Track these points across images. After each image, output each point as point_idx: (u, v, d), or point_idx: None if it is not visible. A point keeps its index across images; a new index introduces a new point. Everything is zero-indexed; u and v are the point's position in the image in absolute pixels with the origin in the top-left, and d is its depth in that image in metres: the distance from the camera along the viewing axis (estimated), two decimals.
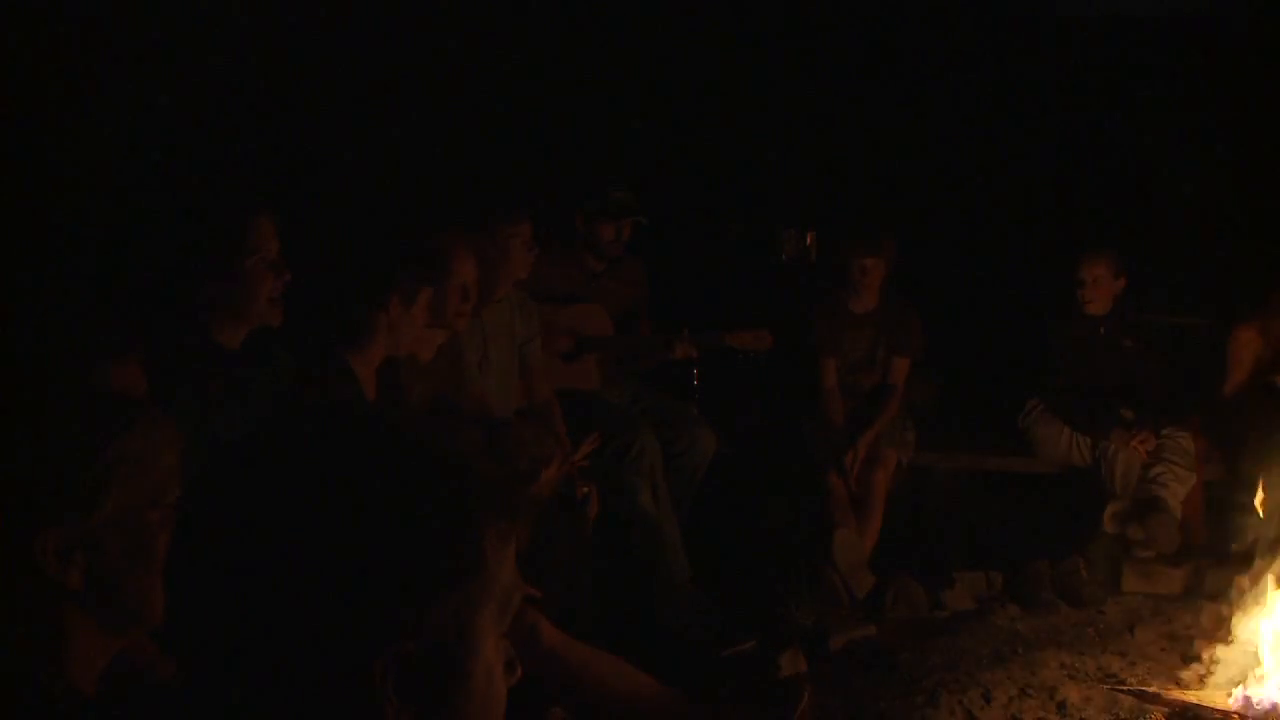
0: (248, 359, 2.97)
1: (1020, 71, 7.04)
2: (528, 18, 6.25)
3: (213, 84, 4.88)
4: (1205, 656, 3.81)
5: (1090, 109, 6.97)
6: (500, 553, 1.06)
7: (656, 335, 5.20)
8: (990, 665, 4.03)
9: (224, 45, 4.96)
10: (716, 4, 6.86)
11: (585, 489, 4.07)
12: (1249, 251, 5.80)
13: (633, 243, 5.20)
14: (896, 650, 4.24)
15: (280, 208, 3.00)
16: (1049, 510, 5.37)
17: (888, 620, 4.58)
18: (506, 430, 3.86)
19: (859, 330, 5.44)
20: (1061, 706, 3.67)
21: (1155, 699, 3.66)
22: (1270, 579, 3.58)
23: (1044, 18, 7.44)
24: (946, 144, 6.89)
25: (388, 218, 3.44)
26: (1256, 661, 3.57)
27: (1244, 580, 4.00)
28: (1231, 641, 3.70)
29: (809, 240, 6.27)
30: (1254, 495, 4.33)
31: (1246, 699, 3.49)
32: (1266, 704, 3.44)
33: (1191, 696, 3.61)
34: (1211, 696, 3.58)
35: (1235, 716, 3.43)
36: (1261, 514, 3.98)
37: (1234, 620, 3.79)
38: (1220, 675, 3.66)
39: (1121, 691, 3.76)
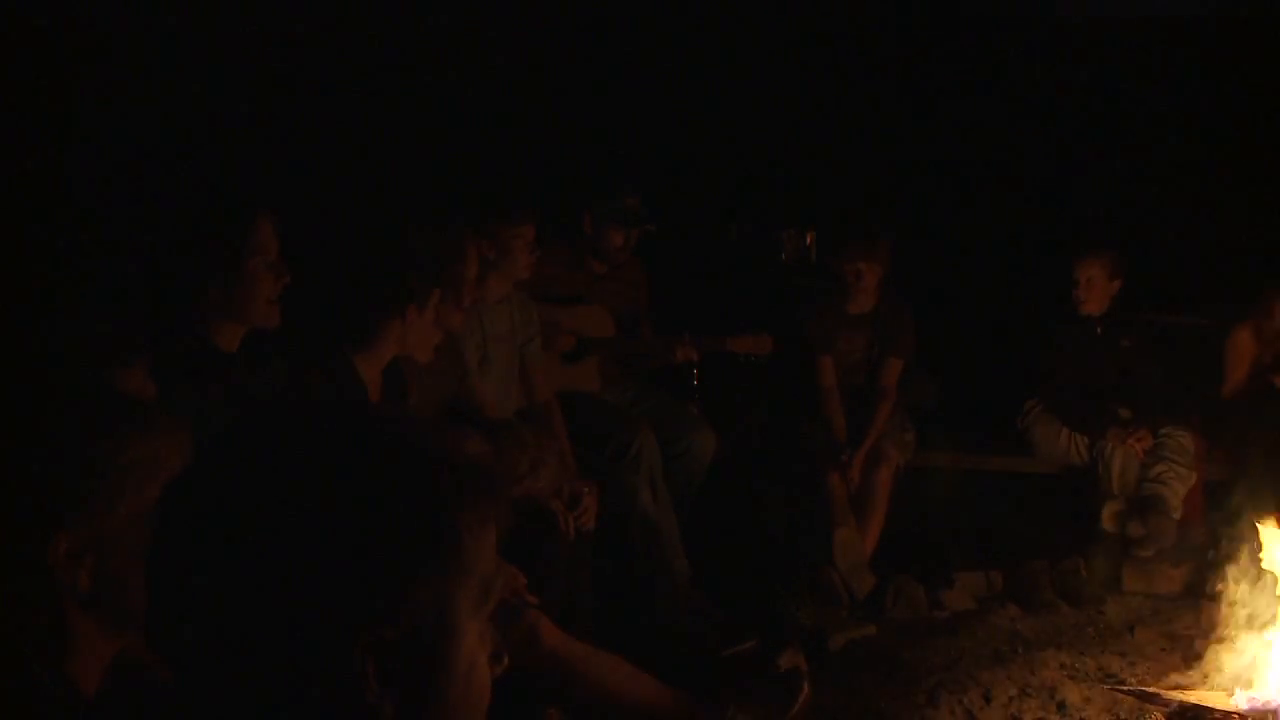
0: (245, 362, 2.97)
1: (1020, 72, 7.05)
2: (531, 19, 6.25)
3: (216, 85, 4.88)
4: (1205, 656, 3.81)
5: (1089, 110, 6.98)
6: (478, 538, 1.06)
7: (658, 338, 5.21)
8: (990, 665, 4.03)
9: (228, 45, 4.96)
10: (718, 6, 6.87)
11: (585, 489, 4.08)
12: (1246, 251, 5.80)
13: (635, 245, 5.21)
14: (897, 650, 4.24)
15: (282, 208, 3.00)
16: (1048, 510, 5.37)
17: (888, 620, 4.58)
18: (506, 431, 3.87)
19: (854, 331, 5.44)
20: (1061, 706, 3.68)
21: (1155, 699, 3.66)
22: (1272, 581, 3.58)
23: (1043, 19, 7.45)
24: (945, 144, 6.90)
25: (393, 218, 3.43)
26: (1256, 662, 3.57)
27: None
28: (1232, 642, 3.70)
29: (809, 241, 6.27)
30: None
31: (1247, 699, 3.50)
32: (1267, 705, 3.45)
33: (1192, 697, 3.61)
34: (1211, 697, 3.58)
35: (1235, 717, 3.43)
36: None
37: (1233, 620, 3.78)
38: (1220, 675, 3.66)
39: (1121, 691, 3.76)
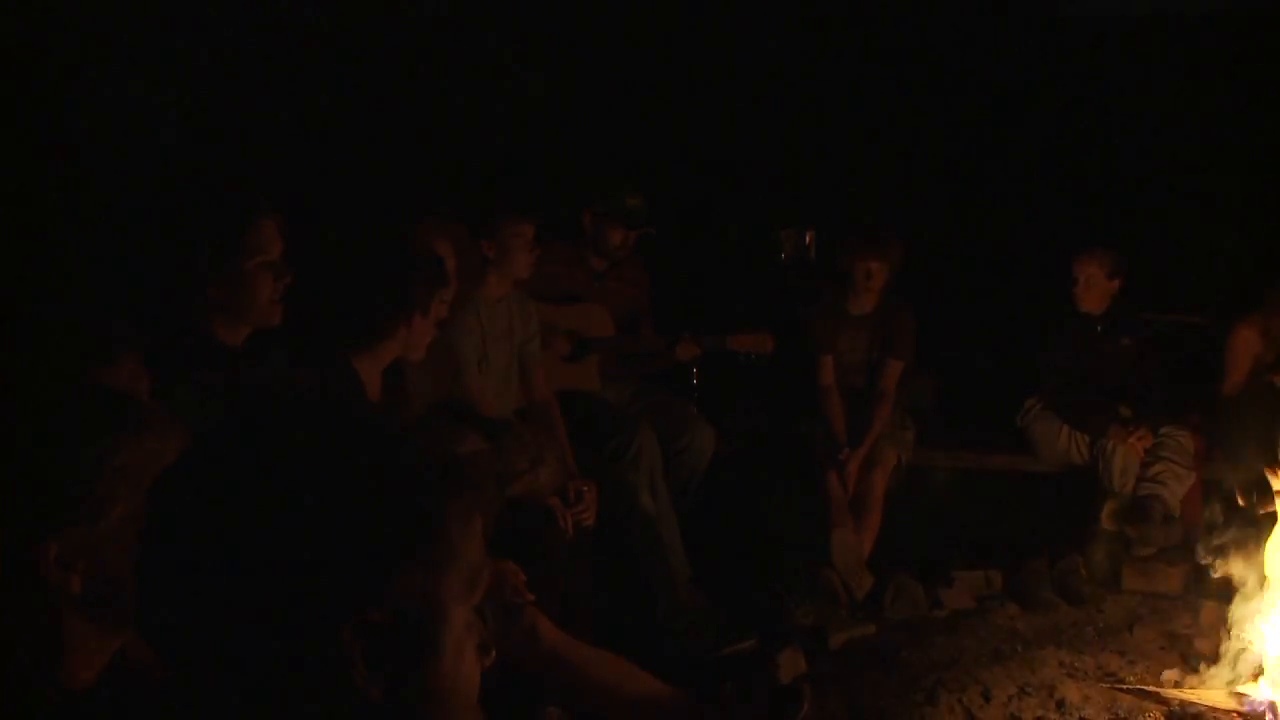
0: (249, 357, 2.98)
1: (1020, 71, 7.06)
2: (534, 18, 6.26)
3: (219, 84, 4.88)
4: (1204, 655, 3.81)
5: (1090, 108, 6.99)
6: (464, 527, 1.08)
7: (658, 337, 5.21)
8: (989, 664, 4.04)
9: (233, 44, 4.97)
10: (719, 5, 6.88)
11: (584, 488, 4.08)
12: (1248, 250, 5.81)
13: (636, 244, 5.21)
14: (896, 649, 4.25)
15: (285, 208, 3.01)
16: (1048, 509, 5.37)
17: (887, 619, 4.58)
18: (505, 430, 3.87)
19: (855, 331, 5.44)
20: (1061, 705, 3.68)
21: (1154, 697, 3.66)
22: (1267, 577, 3.58)
23: (1044, 18, 7.46)
24: (945, 144, 6.90)
25: (396, 221, 3.43)
26: (1255, 660, 3.57)
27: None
28: (1230, 640, 3.70)
29: (808, 240, 6.28)
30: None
31: (1245, 698, 3.50)
32: (1264, 703, 3.45)
33: (1190, 695, 3.61)
34: (1210, 695, 3.58)
35: (1234, 715, 3.43)
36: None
37: (1232, 619, 3.78)
38: (1219, 674, 3.66)
39: (1120, 690, 3.77)
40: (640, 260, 5.31)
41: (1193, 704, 3.53)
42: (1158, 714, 3.53)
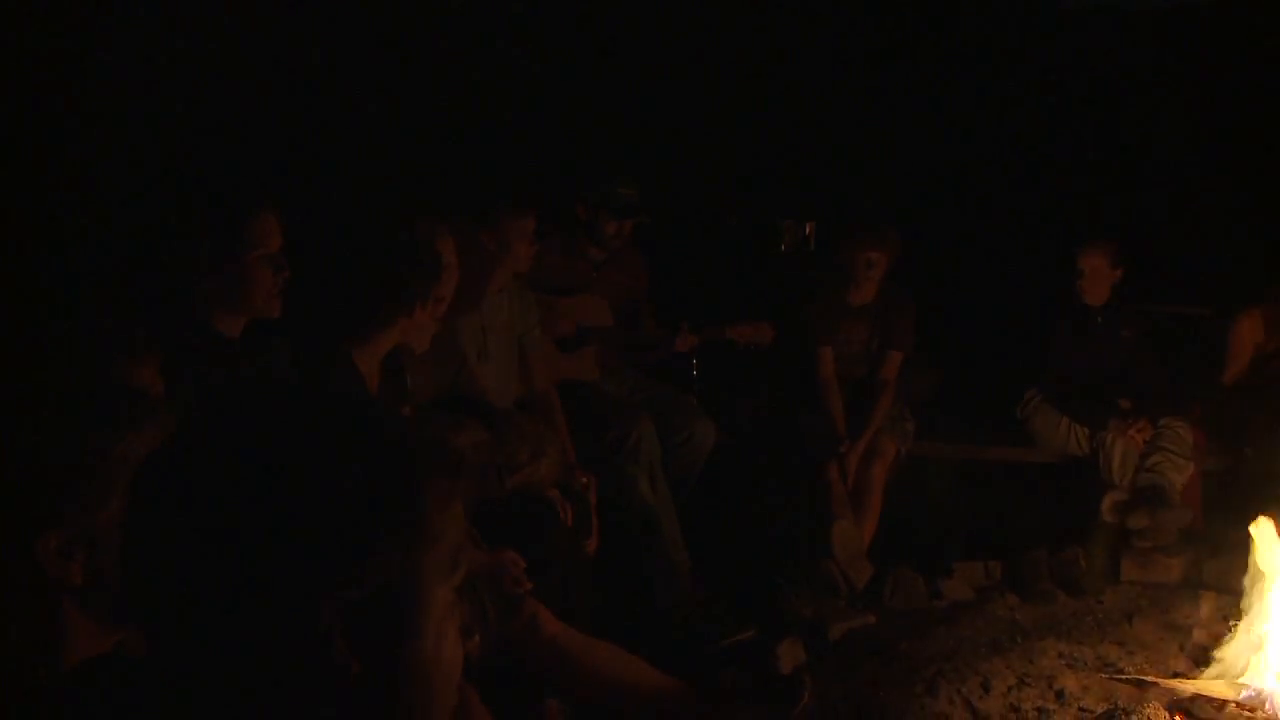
0: (247, 347, 2.98)
1: (1020, 62, 7.05)
2: (531, 10, 6.25)
3: (219, 78, 4.88)
4: (1203, 645, 3.81)
5: (1090, 99, 6.97)
6: (444, 508, 1.09)
7: (658, 328, 5.21)
8: (989, 655, 4.04)
9: (232, 39, 4.96)
10: None
11: (584, 480, 4.08)
12: (1249, 241, 5.80)
13: (634, 233, 5.20)
14: (895, 640, 4.24)
15: (285, 202, 3.01)
16: (1047, 500, 5.37)
17: (886, 610, 4.59)
18: (505, 421, 3.87)
19: (855, 322, 5.44)
20: (1060, 695, 3.68)
21: (1153, 687, 3.67)
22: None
23: (1046, 9, 7.44)
24: (945, 135, 6.89)
25: (393, 212, 3.43)
26: (1254, 651, 3.57)
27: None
28: (1230, 631, 3.70)
29: (808, 231, 6.28)
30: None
31: (1244, 688, 3.50)
32: (1262, 694, 3.45)
33: (1189, 685, 3.61)
34: (1209, 685, 3.58)
35: (1232, 705, 3.43)
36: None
37: (1232, 610, 3.79)
38: (1218, 664, 3.66)
39: (1119, 680, 3.77)
40: (639, 251, 5.31)
41: (1191, 694, 3.54)
42: (1156, 704, 3.52)
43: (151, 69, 4.57)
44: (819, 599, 4.55)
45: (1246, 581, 3.70)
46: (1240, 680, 3.53)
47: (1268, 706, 3.39)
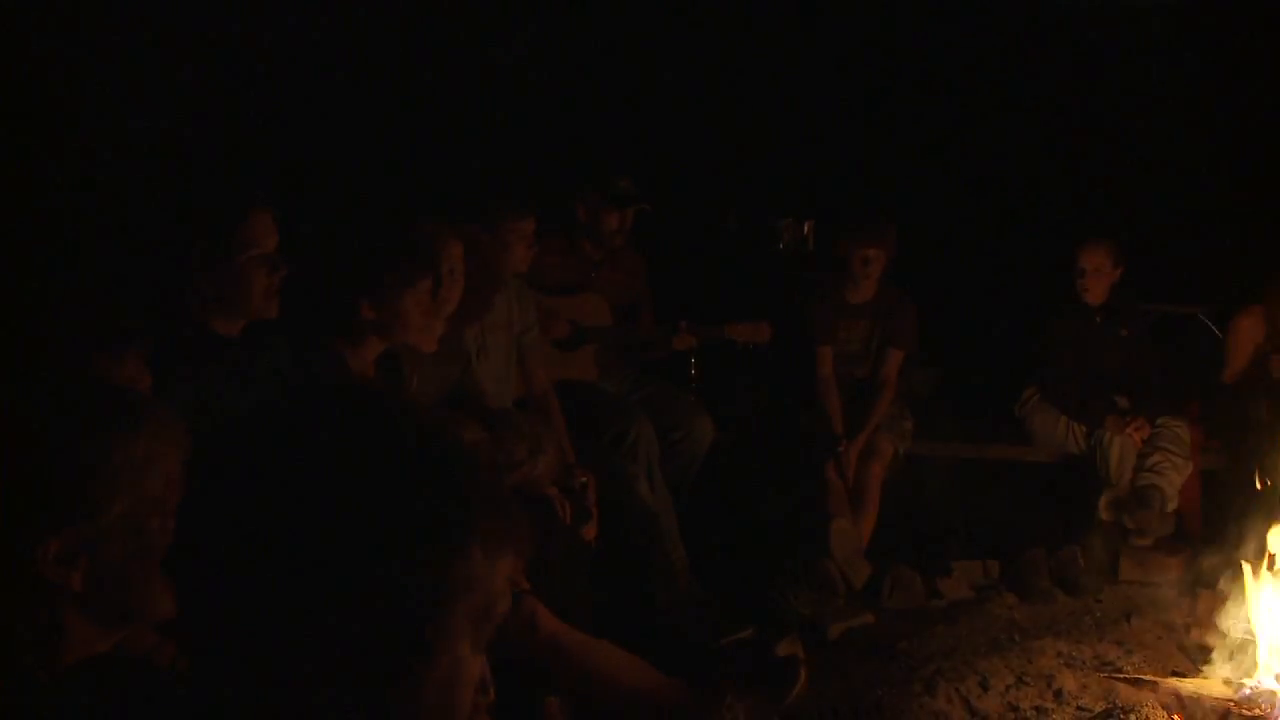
0: (246, 346, 2.98)
1: (1018, 60, 7.04)
2: (530, 10, 6.25)
3: (215, 79, 4.88)
4: (1201, 645, 3.82)
5: (1088, 97, 6.97)
6: (490, 554, 1.07)
7: (656, 326, 5.21)
8: (987, 653, 4.04)
9: (228, 37, 4.96)
10: None
11: (583, 479, 4.08)
12: (1247, 240, 5.80)
13: (632, 233, 5.20)
14: (894, 639, 4.25)
15: (284, 202, 3.01)
16: (1046, 499, 5.38)
17: (885, 609, 4.60)
18: (504, 419, 3.87)
19: (855, 320, 5.44)
20: (1058, 694, 3.69)
21: (1151, 686, 3.67)
22: (1257, 565, 3.59)
23: (1043, 6, 7.43)
24: (943, 134, 6.89)
25: (389, 212, 3.43)
26: (1251, 650, 3.58)
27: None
28: (1227, 630, 3.71)
29: (806, 230, 6.28)
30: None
31: (1241, 688, 3.51)
32: (1261, 692, 3.46)
33: (1187, 684, 3.62)
34: (1207, 685, 3.59)
35: (1230, 704, 3.44)
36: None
37: (1228, 608, 3.80)
38: (1216, 663, 3.67)
39: (1118, 679, 3.77)
40: (637, 250, 5.31)
41: (1189, 694, 3.54)
42: (1154, 703, 3.53)
43: (146, 67, 4.56)
44: (817, 598, 4.55)
45: (1246, 579, 3.71)
46: (1238, 680, 3.54)
47: (1265, 706, 3.39)
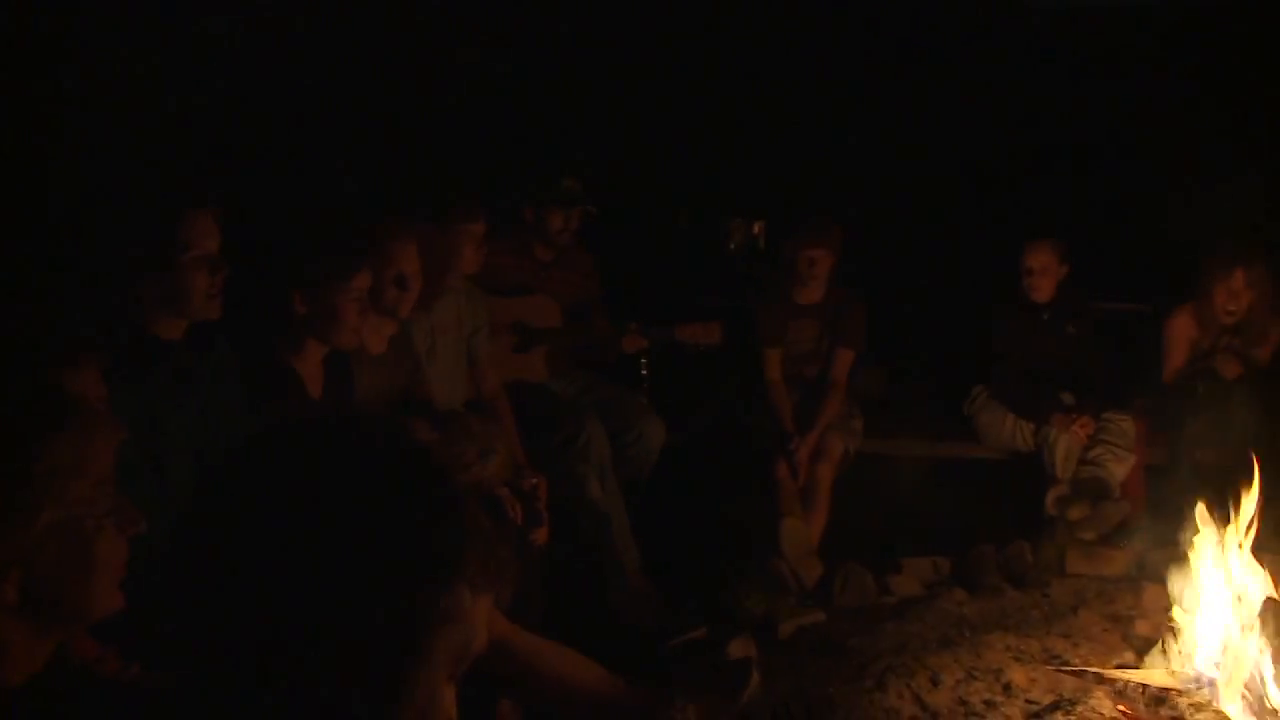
0: (190, 349, 2.95)
1: (966, 61, 7.10)
2: (478, 13, 6.23)
3: (159, 76, 4.83)
4: (1145, 635, 3.87)
5: (1034, 98, 7.05)
6: (474, 594, 1.08)
7: (606, 328, 5.21)
8: (937, 649, 4.06)
9: (171, 36, 4.91)
10: None
11: (534, 480, 4.07)
12: (1186, 238, 5.88)
13: (582, 234, 5.20)
14: (845, 636, 4.27)
15: (230, 204, 2.98)
16: (994, 496, 5.43)
17: (836, 607, 4.61)
18: (454, 421, 3.86)
19: (803, 321, 5.46)
20: (1007, 688, 3.71)
21: (1097, 678, 3.71)
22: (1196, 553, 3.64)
23: (994, 8, 7.50)
24: (893, 135, 6.94)
25: (328, 207, 3.42)
26: (1195, 640, 3.63)
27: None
28: (1171, 621, 3.76)
29: (757, 230, 6.31)
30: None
31: (1185, 676, 3.56)
32: (1202, 680, 3.51)
33: (1133, 675, 3.66)
34: (1151, 675, 3.63)
35: (1173, 693, 3.48)
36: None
37: (1171, 599, 3.85)
38: (1160, 653, 3.72)
39: (1065, 672, 3.81)
40: (587, 250, 5.31)
41: (1135, 683, 3.58)
42: (1101, 693, 3.57)
43: (84, 68, 4.51)
44: (769, 596, 4.56)
45: (1188, 571, 3.76)
46: (1180, 669, 3.59)
47: (1207, 693, 3.44)
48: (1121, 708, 3.50)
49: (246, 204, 3.31)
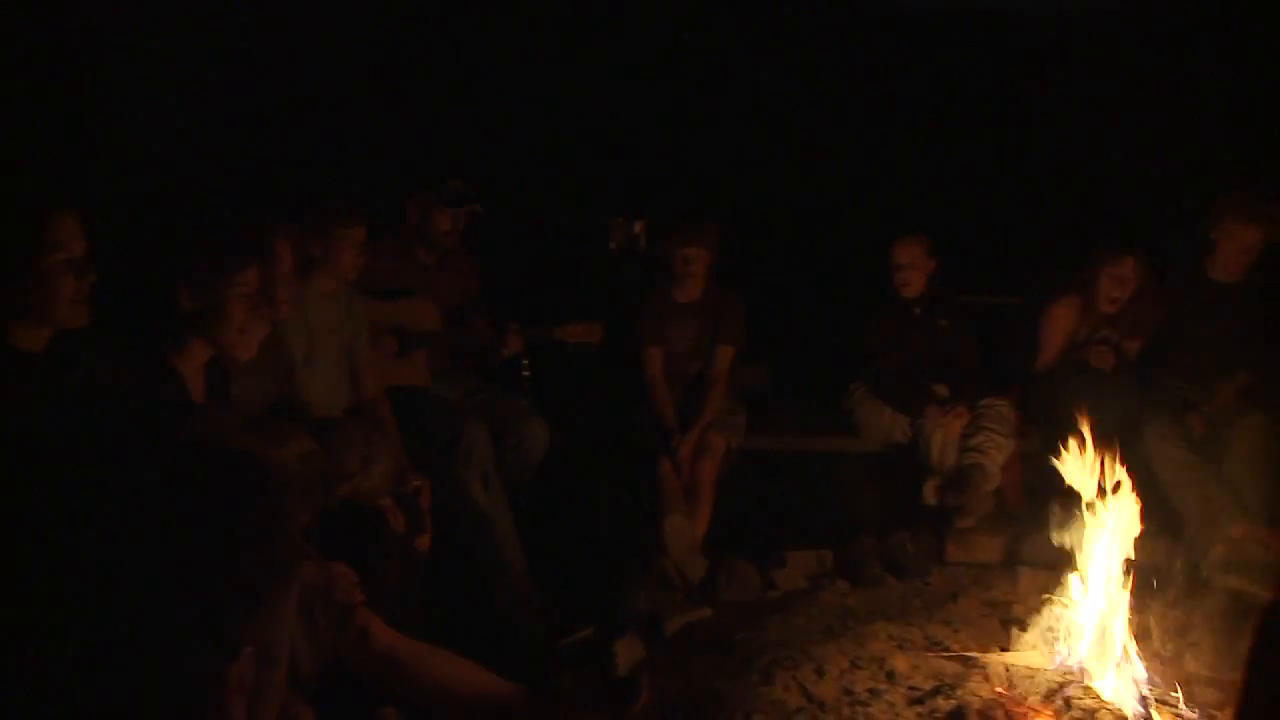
0: (51, 361, 2.85)
1: (839, 61, 7.20)
2: (356, 15, 6.16)
3: (22, 72, 4.68)
4: (1021, 619, 3.96)
5: (906, 99, 7.17)
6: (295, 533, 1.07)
7: (487, 330, 5.17)
8: (822, 640, 4.12)
9: (30, 32, 4.76)
10: None
11: (416, 484, 4.04)
12: (1060, 231, 6.04)
13: (464, 235, 5.16)
14: (731, 631, 4.29)
15: (93, 205, 2.89)
16: (875, 488, 5.51)
17: (722, 602, 4.64)
18: (335, 428, 3.80)
19: (683, 320, 5.49)
20: (891, 676, 3.78)
21: (976, 662, 3.80)
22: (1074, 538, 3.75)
23: (868, 9, 7.62)
24: (771, 135, 7.01)
25: (214, 207, 3.35)
26: (1065, 623, 3.74)
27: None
28: (1046, 604, 3.86)
29: (637, 229, 6.31)
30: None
31: (1055, 657, 3.66)
32: (1069, 661, 3.62)
33: (1008, 658, 3.76)
34: (1026, 656, 3.74)
35: (1048, 672, 3.58)
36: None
37: (1046, 582, 3.96)
38: (1034, 635, 3.82)
39: (946, 657, 3.89)
40: (468, 252, 5.27)
41: (1010, 665, 3.68)
42: (979, 677, 3.66)
43: None
44: (655, 595, 4.57)
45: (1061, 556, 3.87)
46: (1055, 650, 3.69)
47: (1077, 670, 3.55)
48: (999, 689, 3.59)
49: (124, 203, 3.22)
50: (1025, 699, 3.51)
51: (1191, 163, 5.85)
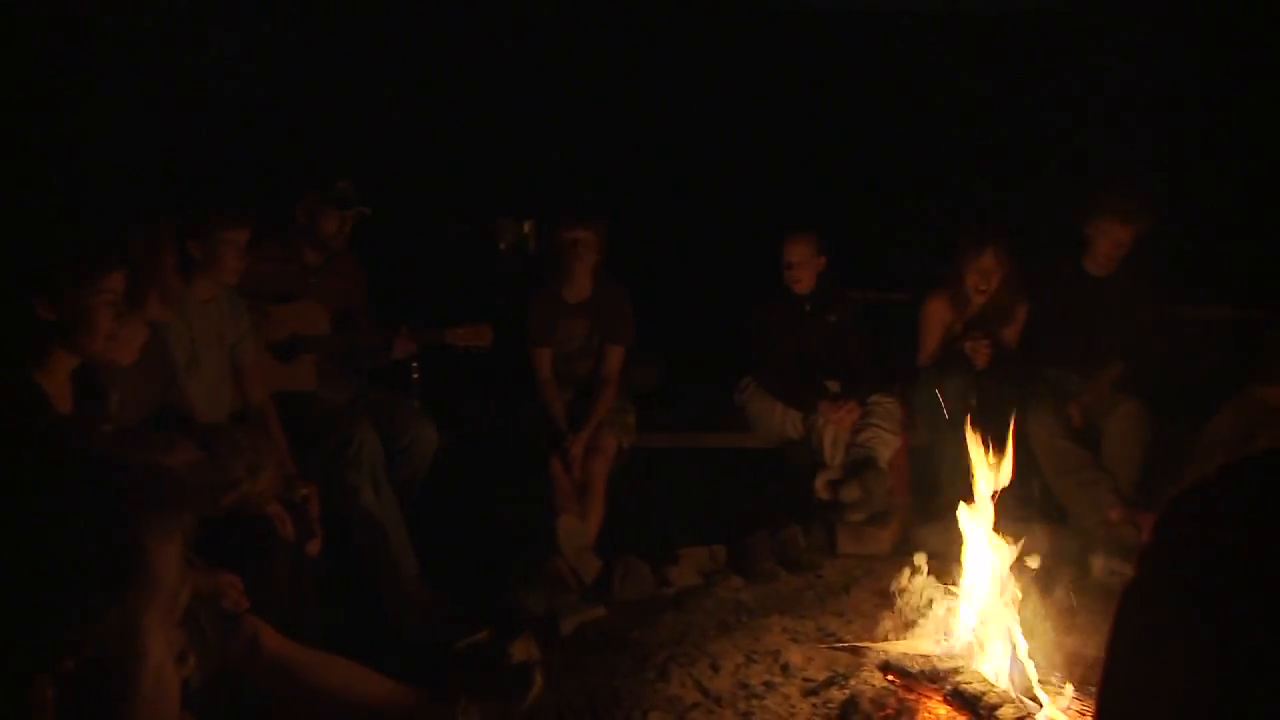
0: None
1: (731, 61, 7.27)
2: (246, 16, 6.05)
3: None
4: (911, 608, 4.03)
5: (795, 98, 7.27)
6: (164, 550, 1.03)
7: (375, 333, 5.11)
8: (717, 636, 4.15)
9: None
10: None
11: (304, 491, 3.97)
12: (943, 226, 6.16)
13: (351, 237, 5.09)
14: (626, 629, 4.30)
15: None
16: (767, 483, 5.57)
17: (617, 601, 4.63)
18: (220, 435, 3.72)
19: (573, 319, 5.47)
20: (785, 668, 3.82)
21: (868, 652, 3.86)
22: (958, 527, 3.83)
23: (755, 8, 7.70)
24: (659, 136, 7.05)
25: (72, 209, 3.24)
26: (950, 613, 3.82)
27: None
28: (934, 593, 3.94)
29: (526, 230, 6.30)
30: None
31: (941, 646, 3.74)
32: (954, 649, 3.70)
33: (899, 647, 3.82)
34: (914, 645, 3.81)
35: (937, 659, 3.66)
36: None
37: (936, 574, 4.03)
38: (923, 624, 3.89)
39: (839, 648, 3.95)
40: (355, 255, 5.20)
41: (899, 654, 3.75)
42: (871, 666, 3.72)
43: None
44: (549, 595, 4.56)
45: (947, 547, 3.95)
46: (943, 637, 3.77)
47: (963, 658, 3.63)
48: (890, 677, 3.66)
49: None
50: (916, 686, 3.58)
51: (1062, 158, 6.02)
